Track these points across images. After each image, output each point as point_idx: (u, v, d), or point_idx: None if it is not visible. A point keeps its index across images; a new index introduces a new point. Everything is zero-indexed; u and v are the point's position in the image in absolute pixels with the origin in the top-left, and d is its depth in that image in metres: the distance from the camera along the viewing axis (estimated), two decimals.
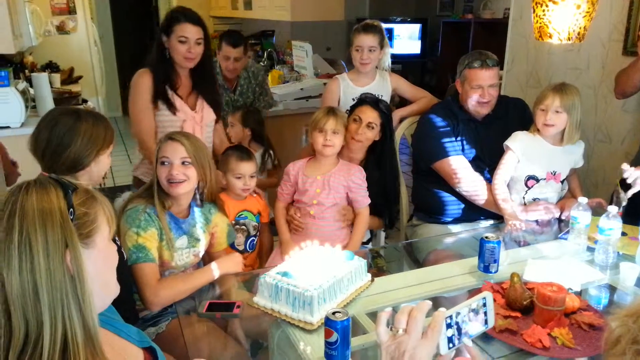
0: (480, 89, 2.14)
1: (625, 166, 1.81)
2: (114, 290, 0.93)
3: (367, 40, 2.44)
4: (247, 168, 2.12)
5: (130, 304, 1.62)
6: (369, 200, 2.11)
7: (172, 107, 2.15)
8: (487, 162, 2.21)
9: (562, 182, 2.14)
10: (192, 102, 2.25)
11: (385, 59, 2.58)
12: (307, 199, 2.07)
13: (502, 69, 2.98)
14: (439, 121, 2.24)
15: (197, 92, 2.26)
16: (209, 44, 2.23)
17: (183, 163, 1.69)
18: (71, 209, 0.80)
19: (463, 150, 2.21)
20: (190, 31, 2.10)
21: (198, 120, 2.22)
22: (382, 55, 2.53)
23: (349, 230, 2.14)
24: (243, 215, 2.14)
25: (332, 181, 2.06)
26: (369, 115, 2.15)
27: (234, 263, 1.73)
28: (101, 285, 0.86)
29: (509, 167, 2.11)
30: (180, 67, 2.18)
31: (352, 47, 2.50)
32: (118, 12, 7.39)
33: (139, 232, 1.60)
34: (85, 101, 4.02)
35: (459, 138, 2.21)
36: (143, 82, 2.14)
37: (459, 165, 2.17)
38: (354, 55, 2.49)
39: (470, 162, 2.19)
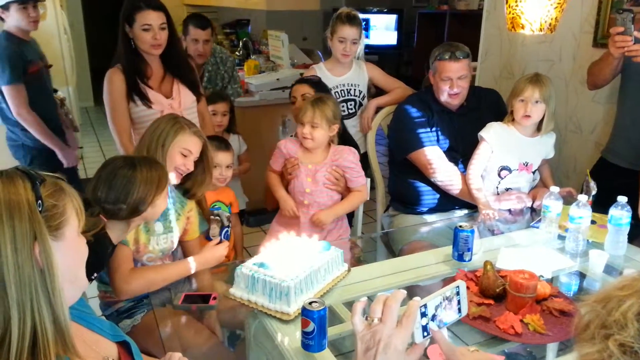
0: (449, 81, 2.16)
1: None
2: (84, 283, 0.91)
3: (351, 33, 2.45)
4: (224, 158, 2.11)
5: None
6: (364, 180, 2.13)
7: (146, 101, 2.13)
8: (461, 152, 2.24)
9: (533, 172, 2.18)
10: (167, 89, 2.22)
11: (361, 48, 2.59)
12: (299, 186, 2.06)
13: (475, 60, 3.01)
14: (414, 112, 2.25)
15: (172, 76, 2.23)
16: (173, 27, 2.19)
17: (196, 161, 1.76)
18: (39, 201, 0.78)
19: (438, 141, 2.23)
20: (153, 17, 2.06)
21: (176, 106, 2.20)
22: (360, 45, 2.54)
23: (345, 218, 2.18)
24: (216, 206, 2.13)
25: (323, 170, 2.05)
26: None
27: (214, 258, 1.71)
28: (71, 279, 0.85)
29: (483, 158, 2.14)
30: (148, 55, 2.14)
31: (334, 37, 2.49)
32: (93, 7, 7.21)
33: None
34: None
35: (433, 129, 2.23)
36: (113, 81, 2.12)
37: (433, 156, 2.19)
38: (337, 46, 2.48)
39: (445, 152, 2.21)
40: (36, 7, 2.65)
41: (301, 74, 3.42)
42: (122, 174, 1.50)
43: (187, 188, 1.82)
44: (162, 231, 1.72)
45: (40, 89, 2.77)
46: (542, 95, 2.03)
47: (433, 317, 0.94)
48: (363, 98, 2.61)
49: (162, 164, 1.62)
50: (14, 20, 2.63)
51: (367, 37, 6.41)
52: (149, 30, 2.06)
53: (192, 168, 1.76)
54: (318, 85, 2.28)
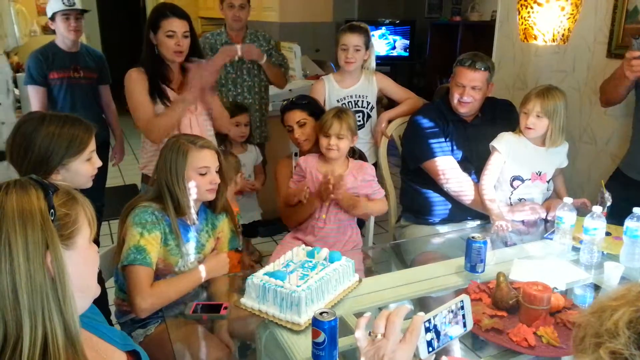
0: (462, 88, 2.16)
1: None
2: (95, 291, 0.92)
3: (353, 39, 2.45)
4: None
5: (104, 308, 1.61)
6: (383, 192, 2.14)
7: (165, 100, 2.15)
8: (474, 163, 2.23)
9: (547, 182, 2.16)
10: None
11: (371, 60, 2.58)
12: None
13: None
14: (428, 121, 2.25)
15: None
16: (196, 37, 2.25)
17: (216, 172, 1.72)
18: (52, 210, 0.79)
19: (452, 151, 2.22)
20: (177, 25, 2.12)
21: (193, 110, 2.23)
22: (367, 56, 2.53)
23: (358, 231, 2.18)
24: None
25: (345, 182, 2.03)
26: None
27: (220, 265, 1.71)
28: (82, 287, 0.86)
29: (495, 168, 2.12)
30: (170, 62, 2.18)
31: (338, 46, 2.51)
32: (105, 12, 7.34)
33: (142, 232, 1.58)
34: None
35: (448, 139, 2.23)
36: (138, 76, 2.15)
37: (446, 166, 2.18)
38: (340, 55, 2.50)
39: (458, 163, 2.21)
40: (79, 18, 2.84)
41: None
42: (28, 123, 1.46)
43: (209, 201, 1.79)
44: (193, 253, 1.72)
45: (59, 97, 2.85)
46: (544, 109, 2.02)
47: (438, 332, 0.93)
48: (371, 109, 2.60)
49: (87, 124, 1.53)
50: (58, 29, 2.84)
51: (386, 48, 6.48)
52: (173, 37, 2.12)
53: (218, 180, 1.72)
54: (309, 106, 2.22)
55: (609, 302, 0.70)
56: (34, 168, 1.42)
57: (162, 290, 1.58)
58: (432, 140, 2.22)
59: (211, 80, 2.18)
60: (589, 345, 0.68)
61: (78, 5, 2.82)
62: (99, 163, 1.57)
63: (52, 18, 2.82)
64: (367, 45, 2.50)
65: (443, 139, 2.22)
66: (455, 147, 2.22)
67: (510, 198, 2.16)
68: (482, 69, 2.14)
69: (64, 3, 2.76)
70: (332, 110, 2.09)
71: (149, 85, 2.15)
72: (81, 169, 1.51)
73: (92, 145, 1.53)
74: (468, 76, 2.14)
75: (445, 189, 2.21)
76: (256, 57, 2.87)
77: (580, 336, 0.71)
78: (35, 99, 2.83)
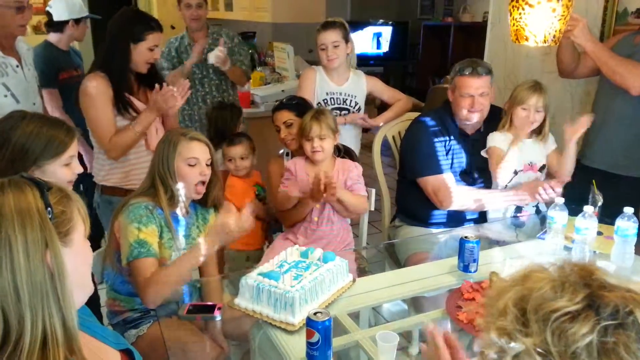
0: (470, 98, 2.09)
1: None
2: (90, 288, 0.93)
3: (329, 37, 2.44)
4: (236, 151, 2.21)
5: (96, 310, 1.59)
6: (364, 190, 2.10)
7: (132, 111, 2.05)
8: (473, 176, 2.21)
9: (539, 170, 2.16)
10: (144, 98, 2.15)
11: (352, 56, 2.57)
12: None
13: None
14: (430, 132, 2.19)
15: (145, 87, 2.17)
16: None
17: (207, 165, 1.70)
18: (49, 208, 0.80)
19: (452, 164, 2.18)
20: (158, 38, 2.08)
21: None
22: (349, 49, 2.50)
23: (350, 231, 2.18)
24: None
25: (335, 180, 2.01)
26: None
27: (221, 228, 1.53)
28: (78, 284, 0.86)
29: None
30: (133, 70, 2.10)
31: (318, 48, 2.49)
32: (96, 12, 7.30)
33: (140, 227, 1.58)
34: None
35: (448, 150, 2.18)
36: (101, 85, 2.01)
37: (442, 186, 2.13)
38: (321, 55, 2.48)
39: (458, 175, 2.18)
40: (86, 21, 2.95)
41: None
42: (4, 124, 1.41)
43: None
44: (184, 247, 1.72)
45: (72, 95, 2.80)
46: (544, 103, 2.09)
47: None
48: (358, 110, 2.60)
49: (69, 128, 1.48)
50: (68, 33, 2.85)
51: (378, 48, 6.50)
52: (153, 51, 2.07)
53: (209, 172, 1.70)
54: (298, 107, 2.20)
55: (505, 284, 0.75)
56: (7, 165, 1.35)
57: (165, 274, 1.53)
58: (430, 155, 2.16)
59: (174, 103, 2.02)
60: (485, 326, 0.73)
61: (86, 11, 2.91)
62: (78, 169, 1.50)
63: (65, 22, 2.80)
64: (346, 39, 2.47)
65: (443, 152, 2.18)
66: (454, 161, 2.19)
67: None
68: (484, 74, 2.10)
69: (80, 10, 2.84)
70: (309, 114, 2.06)
71: (115, 95, 2.03)
72: (58, 172, 1.42)
73: (73, 150, 1.46)
74: (473, 84, 2.08)
75: (439, 207, 2.17)
76: (223, 65, 2.96)
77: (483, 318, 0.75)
78: (52, 101, 2.74)
